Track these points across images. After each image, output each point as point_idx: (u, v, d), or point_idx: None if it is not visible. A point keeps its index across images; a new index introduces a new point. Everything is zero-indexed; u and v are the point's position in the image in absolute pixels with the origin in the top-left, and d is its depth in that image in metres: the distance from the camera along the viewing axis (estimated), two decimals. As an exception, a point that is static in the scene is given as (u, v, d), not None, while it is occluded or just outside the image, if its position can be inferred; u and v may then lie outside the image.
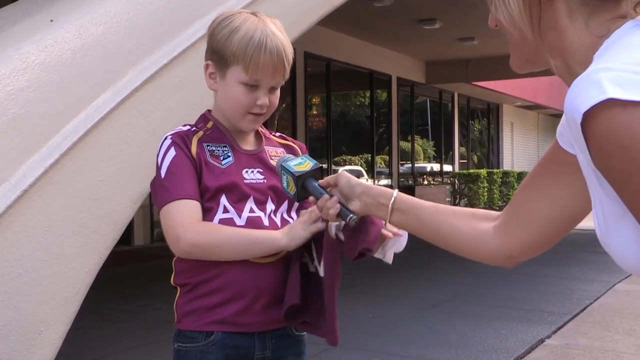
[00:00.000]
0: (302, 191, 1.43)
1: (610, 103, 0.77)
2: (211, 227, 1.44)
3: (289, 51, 1.49)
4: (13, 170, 2.29)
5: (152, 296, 5.90)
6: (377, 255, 1.46)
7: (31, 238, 2.31)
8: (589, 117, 0.80)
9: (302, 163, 1.45)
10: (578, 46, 0.96)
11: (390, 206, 1.28)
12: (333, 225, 1.43)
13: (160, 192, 1.45)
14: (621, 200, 0.83)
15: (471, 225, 1.23)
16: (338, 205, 1.36)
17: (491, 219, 1.22)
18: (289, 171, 1.42)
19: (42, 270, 2.35)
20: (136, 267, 7.80)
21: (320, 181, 1.42)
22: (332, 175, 1.41)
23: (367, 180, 14.72)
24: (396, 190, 1.32)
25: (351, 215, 1.35)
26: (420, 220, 1.28)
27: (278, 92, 1.53)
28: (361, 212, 1.35)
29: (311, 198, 1.42)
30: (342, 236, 1.43)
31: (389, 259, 1.47)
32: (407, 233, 1.41)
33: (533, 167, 1.19)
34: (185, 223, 1.41)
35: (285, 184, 1.45)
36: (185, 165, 1.44)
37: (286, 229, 1.46)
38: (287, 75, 1.51)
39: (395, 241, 1.45)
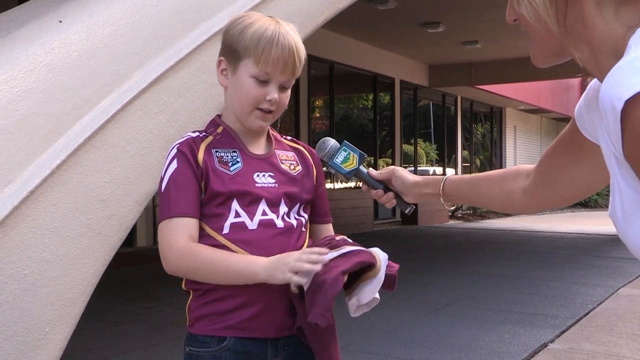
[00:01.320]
0: (354, 175, 1.61)
1: None
2: (195, 251, 1.41)
3: (301, 51, 1.50)
4: (19, 171, 2.29)
5: (155, 298, 5.91)
6: (351, 302, 1.42)
7: (37, 239, 2.32)
8: (631, 105, 0.77)
9: (348, 155, 1.59)
10: (608, 37, 0.93)
11: (440, 192, 1.56)
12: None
13: (159, 208, 1.46)
14: None
15: (501, 189, 1.49)
16: (394, 200, 1.61)
17: (521, 177, 1.46)
18: (356, 150, 1.59)
19: (48, 271, 2.35)
20: (139, 268, 7.80)
21: (373, 175, 1.62)
22: (385, 171, 1.63)
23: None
24: (445, 177, 1.56)
25: (409, 207, 1.62)
26: (464, 197, 1.58)
27: (289, 92, 1.52)
28: (416, 202, 1.62)
29: (363, 185, 1.64)
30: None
31: (358, 307, 1.45)
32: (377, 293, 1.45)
33: (555, 139, 1.33)
34: (172, 244, 1.40)
35: (340, 159, 1.58)
36: (185, 178, 1.43)
37: (270, 264, 1.37)
38: (297, 74, 1.51)
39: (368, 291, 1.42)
